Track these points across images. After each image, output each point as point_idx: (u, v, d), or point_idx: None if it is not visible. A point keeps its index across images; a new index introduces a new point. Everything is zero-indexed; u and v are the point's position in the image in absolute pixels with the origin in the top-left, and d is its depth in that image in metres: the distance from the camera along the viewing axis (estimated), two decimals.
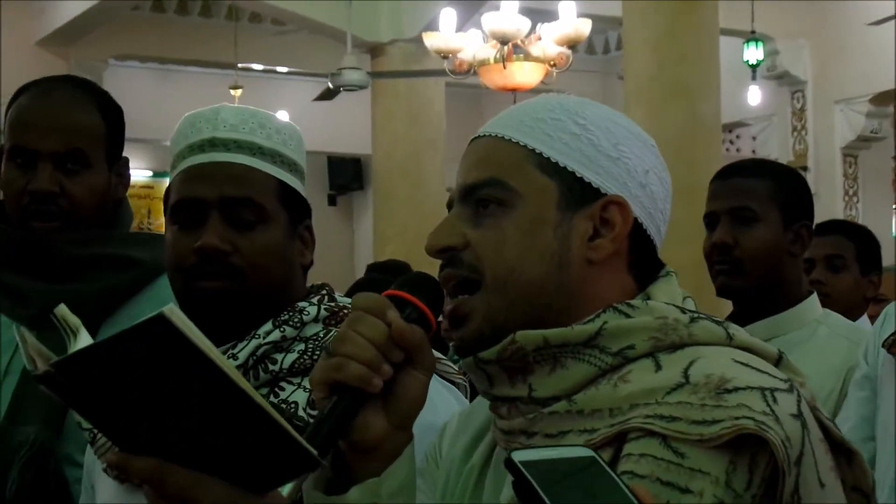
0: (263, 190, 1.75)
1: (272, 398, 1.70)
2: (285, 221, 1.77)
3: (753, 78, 11.79)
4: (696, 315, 1.33)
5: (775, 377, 1.26)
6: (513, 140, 1.37)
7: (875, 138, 13.26)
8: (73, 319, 1.32)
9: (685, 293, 1.38)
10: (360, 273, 6.64)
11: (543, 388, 1.31)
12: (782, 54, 13.23)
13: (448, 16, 9.05)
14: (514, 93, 8.97)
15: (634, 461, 1.22)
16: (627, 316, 1.32)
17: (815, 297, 2.79)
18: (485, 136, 1.40)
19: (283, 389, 1.71)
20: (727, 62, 9.23)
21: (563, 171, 1.35)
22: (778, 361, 1.32)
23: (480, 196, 1.36)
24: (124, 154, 2.28)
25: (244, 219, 1.73)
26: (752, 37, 11.30)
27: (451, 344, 4.82)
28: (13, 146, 2.19)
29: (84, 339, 1.28)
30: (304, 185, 1.82)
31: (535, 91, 9.07)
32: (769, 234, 2.69)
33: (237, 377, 1.12)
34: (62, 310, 1.32)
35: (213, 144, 1.75)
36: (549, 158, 1.35)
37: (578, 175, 1.35)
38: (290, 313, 1.74)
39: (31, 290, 2.17)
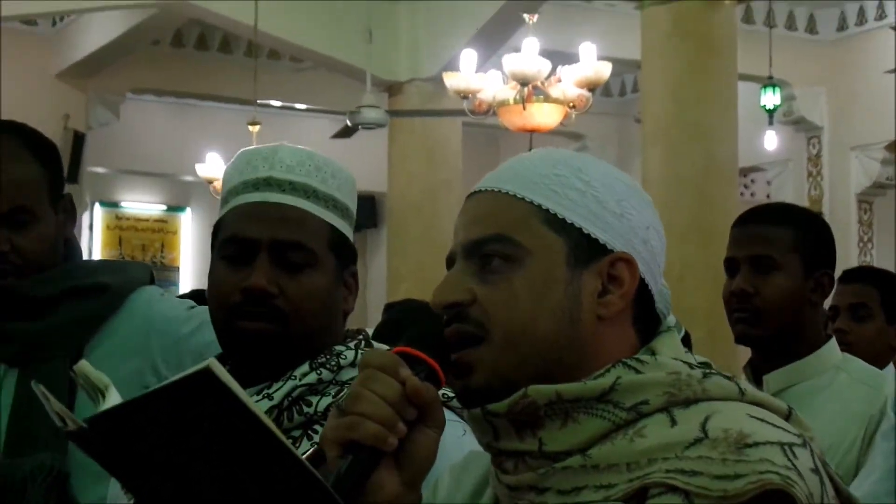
0: (315, 235, 1.74)
1: (306, 441, 1.69)
2: (333, 267, 1.76)
3: (770, 123, 11.78)
4: (707, 371, 1.32)
5: (790, 432, 1.26)
6: (517, 196, 1.36)
7: (890, 185, 13.25)
8: (99, 376, 1.29)
9: (685, 349, 1.38)
10: (373, 311, 6.63)
11: (554, 442, 1.30)
12: (799, 100, 13.24)
13: (468, 56, 9.08)
14: (532, 134, 8.99)
15: None
16: (637, 371, 1.31)
17: (833, 343, 2.76)
18: (485, 191, 1.38)
19: (316, 433, 1.69)
20: (744, 107, 9.24)
21: (570, 228, 1.34)
22: (788, 416, 1.32)
23: (486, 251, 1.34)
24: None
25: (293, 261, 1.72)
26: (769, 82, 11.30)
27: None
28: None
29: (114, 396, 1.26)
30: (353, 230, 1.82)
31: (553, 133, 9.09)
32: (789, 283, 2.67)
33: (281, 436, 1.11)
34: (84, 367, 1.29)
35: (268, 184, 1.75)
36: (555, 214, 1.34)
37: (586, 231, 1.34)
38: (328, 356, 1.73)
39: (10, 329, 2.20)
